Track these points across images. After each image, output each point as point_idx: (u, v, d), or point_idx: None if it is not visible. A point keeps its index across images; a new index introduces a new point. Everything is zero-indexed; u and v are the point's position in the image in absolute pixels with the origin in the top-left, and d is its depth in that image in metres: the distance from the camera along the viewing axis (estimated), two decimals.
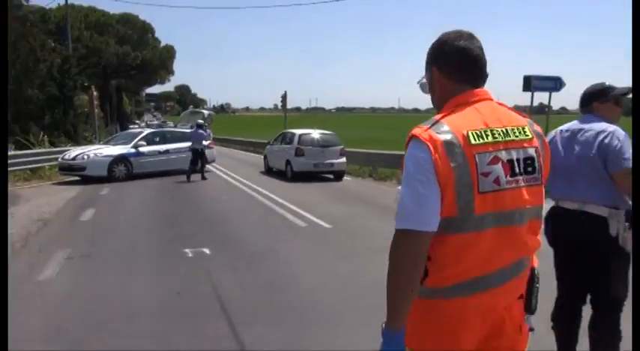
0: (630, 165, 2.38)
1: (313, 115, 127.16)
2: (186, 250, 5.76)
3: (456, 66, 1.50)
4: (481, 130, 1.41)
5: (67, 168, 13.06)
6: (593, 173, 2.53)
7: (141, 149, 13.79)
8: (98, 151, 13.35)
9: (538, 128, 1.54)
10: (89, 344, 3.40)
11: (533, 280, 1.57)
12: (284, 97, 24.24)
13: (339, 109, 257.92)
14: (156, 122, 55.00)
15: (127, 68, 43.02)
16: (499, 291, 1.45)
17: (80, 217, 8.03)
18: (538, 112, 12.56)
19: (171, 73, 50.06)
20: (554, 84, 11.46)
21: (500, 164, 1.39)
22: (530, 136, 1.47)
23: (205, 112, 21.44)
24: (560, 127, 2.77)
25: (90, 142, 18.09)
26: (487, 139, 1.40)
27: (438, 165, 1.34)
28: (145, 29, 43.99)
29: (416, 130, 1.42)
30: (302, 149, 13.52)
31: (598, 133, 2.53)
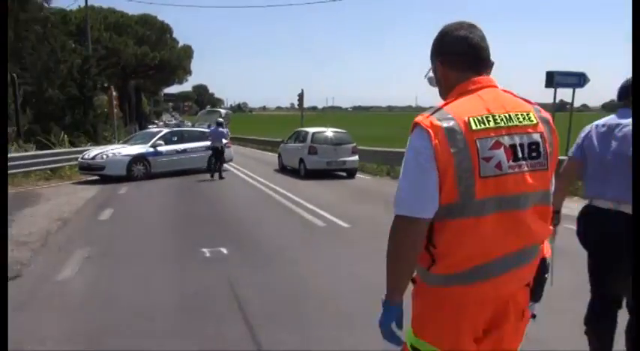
0: None
1: (330, 114, 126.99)
2: (204, 250, 5.72)
3: (456, 55, 1.53)
4: (483, 116, 1.42)
5: (87, 167, 13.20)
6: (631, 171, 2.38)
7: (159, 148, 13.87)
8: (117, 151, 13.47)
9: (546, 114, 1.53)
10: (106, 345, 3.36)
11: (542, 270, 1.58)
12: (301, 96, 24.18)
13: (356, 108, 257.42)
14: (174, 122, 55.58)
15: (146, 68, 43.53)
16: (503, 279, 1.46)
17: (99, 217, 8.07)
18: (558, 110, 12.21)
19: (189, 73, 50.54)
20: (578, 80, 11.12)
21: (502, 149, 1.40)
22: (535, 122, 1.47)
23: (222, 111, 21.51)
24: (596, 122, 2.63)
25: (109, 142, 18.29)
26: (488, 124, 1.41)
27: (437, 151, 1.37)
28: (164, 30, 44.42)
29: (418, 118, 1.44)
30: (315, 147, 13.75)
31: None
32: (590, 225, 2.60)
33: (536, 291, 1.59)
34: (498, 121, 1.43)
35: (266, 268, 5.10)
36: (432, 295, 1.51)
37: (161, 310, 3.93)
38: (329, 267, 5.14)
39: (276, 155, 17.53)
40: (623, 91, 2.57)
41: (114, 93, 20.66)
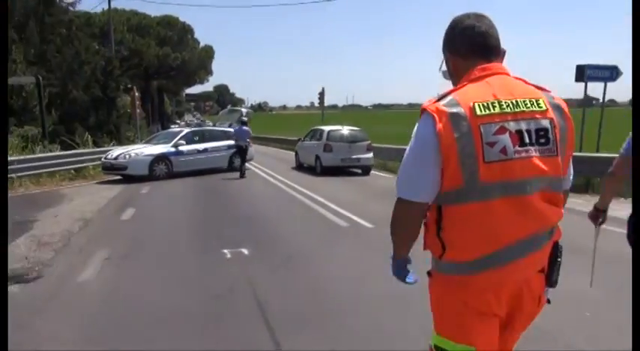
0: None
1: (350, 112, 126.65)
2: (225, 251, 5.61)
3: (464, 44, 1.55)
4: (488, 101, 1.43)
5: (110, 167, 13.31)
6: None
7: (180, 148, 13.90)
8: (139, 151, 13.54)
9: (559, 101, 1.52)
10: (124, 348, 3.26)
11: (555, 253, 1.57)
12: (322, 94, 24.05)
13: (376, 106, 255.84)
14: (195, 121, 56.08)
15: (168, 69, 43.98)
16: (516, 266, 1.46)
17: (121, 217, 8.06)
18: (584, 105, 11.74)
19: (210, 73, 50.87)
20: (610, 73, 10.66)
21: (507, 134, 1.41)
22: (545, 108, 1.47)
23: (244, 110, 21.52)
24: None
25: (132, 142, 18.46)
26: (493, 110, 1.42)
27: (441, 136, 1.39)
28: (185, 30, 44.81)
29: (425, 103, 1.47)
30: (330, 145, 14.06)
31: None
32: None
33: (551, 276, 1.59)
34: (504, 106, 1.43)
35: (288, 270, 4.96)
36: (445, 284, 1.54)
37: (181, 314, 3.81)
38: (353, 270, 4.97)
39: (294, 153, 17.71)
40: None
41: (136, 93, 20.86)
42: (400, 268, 1.70)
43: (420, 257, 1.76)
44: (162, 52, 40.69)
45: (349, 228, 6.93)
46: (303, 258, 5.37)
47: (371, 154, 14.42)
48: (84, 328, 3.61)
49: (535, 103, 1.46)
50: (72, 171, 13.94)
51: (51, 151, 14.56)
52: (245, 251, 5.61)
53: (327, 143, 14.15)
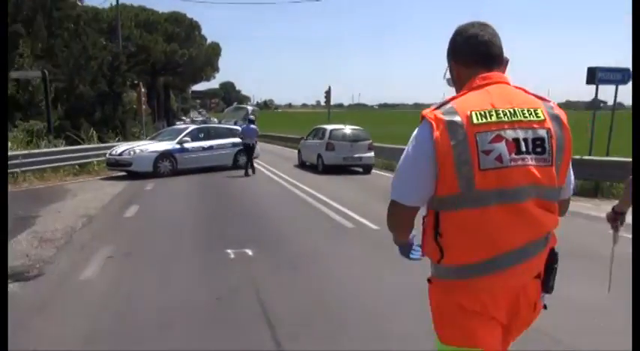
0: None
1: (355, 112, 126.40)
2: (228, 251, 5.53)
3: (468, 52, 1.57)
4: (485, 110, 1.45)
5: (114, 163, 13.26)
6: None
7: (185, 145, 13.83)
8: (144, 147, 13.49)
9: (558, 111, 1.53)
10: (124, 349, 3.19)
11: (551, 260, 1.59)
12: (328, 93, 23.93)
13: (382, 106, 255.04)
14: (200, 118, 56.04)
15: (174, 65, 43.95)
16: (512, 272, 1.48)
17: (124, 214, 8.00)
18: (594, 107, 11.57)
19: (217, 70, 50.81)
20: (622, 76, 10.45)
21: (503, 143, 1.43)
22: (543, 118, 1.48)
23: (249, 108, 21.35)
24: None
25: (138, 138, 18.42)
26: (490, 118, 1.44)
27: (438, 143, 1.42)
28: (193, 27, 44.75)
29: (424, 111, 1.51)
30: (332, 144, 14.27)
31: None
32: None
33: (547, 282, 1.60)
34: (501, 115, 1.45)
35: (292, 272, 4.87)
36: (443, 289, 1.57)
37: (182, 315, 3.73)
38: (360, 273, 4.88)
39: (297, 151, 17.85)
40: None
41: (142, 89, 20.82)
42: (403, 249, 1.81)
43: (423, 261, 1.76)
44: (169, 48, 40.64)
45: (354, 229, 6.83)
46: (308, 260, 5.28)
47: (372, 153, 14.61)
48: (84, 329, 3.53)
49: (533, 113, 1.48)
50: (76, 166, 13.90)
51: (56, 146, 14.54)
52: (249, 252, 5.53)
53: (329, 142, 14.34)
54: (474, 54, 1.57)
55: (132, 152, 13.12)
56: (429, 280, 1.65)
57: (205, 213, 8.34)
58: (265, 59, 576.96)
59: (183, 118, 64.96)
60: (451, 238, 1.49)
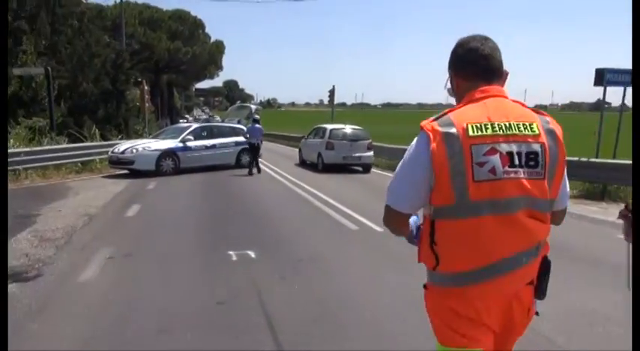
0: None
1: (359, 111, 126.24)
2: (231, 253, 5.44)
3: (467, 65, 1.62)
4: (482, 123, 1.49)
5: (117, 161, 13.18)
6: None
7: (188, 144, 13.76)
8: (146, 145, 13.41)
9: (554, 126, 1.56)
10: None
11: (544, 267, 1.62)
12: (332, 92, 23.83)
13: (385, 105, 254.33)
14: (204, 117, 55.98)
15: (178, 63, 43.88)
16: (506, 279, 1.52)
17: (126, 213, 7.92)
18: (596, 109, 11.43)
19: (220, 68, 50.74)
20: (631, 78, 10.34)
21: (497, 155, 1.47)
22: (538, 133, 1.51)
23: (253, 107, 21.30)
24: None
25: (141, 136, 18.36)
26: (486, 131, 1.48)
27: (434, 154, 1.47)
28: (196, 25, 44.68)
29: (423, 122, 1.55)
30: (332, 143, 14.45)
31: None
32: None
33: (540, 288, 1.63)
34: (496, 128, 1.49)
35: (296, 275, 4.77)
36: (438, 295, 1.61)
37: (182, 320, 3.64)
38: (365, 276, 4.78)
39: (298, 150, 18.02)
40: None
41: (146, 87, 20.76)
42: (409, 237, 1.81)
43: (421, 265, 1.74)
44: (173, 46, 40.57)
45: (358, 231, 6.74)
46: (311, 263, 5.18)
47: (371, 153, 14.78)
48: (82, 333, 3.44)
49: (529, 127, 1.52)
50: (79, 164, 13.84)
51: (58, 143, 14.46)
52: (252, 254, 5.43)
53: (329, 141, 14.50)
54: (474, 67, 1.61)
55: (134, 150, 13.05)
56: (424, 286, 1.69)
57: (208, 212, 8.25)
58: (269, 58, 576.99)
59: (187, 116, 64.90)
60: (446, 247, 1.54)
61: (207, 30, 46.29)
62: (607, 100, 11.44)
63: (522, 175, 1.48)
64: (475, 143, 1.47)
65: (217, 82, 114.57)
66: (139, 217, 7.66)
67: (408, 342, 3.29)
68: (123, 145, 13.65)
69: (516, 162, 1.48)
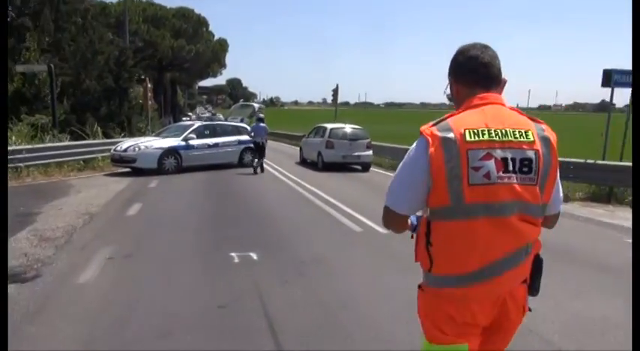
0: None
1: (362, 110, 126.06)
2: (232, 254, 5.35)
3: (467, 73, 1.67)
4: (479, 129, 1.54)
5: (119, 159, 13.12)
6: None
7: (191, 142, 13.68)
8: (149, 144, 13.34)
9: (549, 134, 1.61)
10: None
11: (536, 265, 1.68)
12: (335, 91, 23.72)
13: (388, 105, 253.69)
14: (206, 115, 55.92)
15: (182, 61, 43.86)
16: (500, 280, 1.57)
17: (127, 212, 7.84)
18: (600, 110, 11.32)
19: (224, 66, 50.76)
20: None
21: (492, 161, 1.52)
22: (532, 140, 1.56)
23: (256, 105, 21.23)
24: None
25: (144, 134, 18.30)
26: (482, 137, 1.53)
27: (432, 158, 1.52)
28: (200, 23, 44.66)
29: (422, 127, 1.60)
30: (332, 142, 14.64)
31: None
32: None
33: (533, 286, 1.70)
34: (493, 135, 1.54)
35: (299, 278, 4.68)
36: (433, 296, 1.66)
37: (182, 325, 3.56)
38: (370, 280, 4.69)
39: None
40: None
41: (149, 85, 20.69)
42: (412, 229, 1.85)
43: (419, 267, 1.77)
44: (176, 44, 40.55)
45: (361, 232, 6.65)
46: (317, 266, 5.08)
47: (370, 152, 14.98)
48: (80, 336, 3.37)
49: (524, 134, 1.56)
50: (81, 162, 13.77)
51: (60, 140, 14.41)
52: (254, 256, 5.35)
53: (328, 140, 14.67)
54: (474, 74, 1.65)
55: (136, 148, 12.98)
56: (419, 287, 1.73)
57: (209, 212, 8.17)
58: (272, 56, 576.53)
59: (189, 114, 64.87)
60: (440, 247, 1.59)
61: (210, 28, 46.33)
62: (613, 100, 11.33)
63: (515, 181, 1.53)
64: (472, 148, 1.52)
65: (220, 80, 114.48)
66: (140, 217, 7.58)
67: (412, 346, 3.19)
68: (125, 143, 13.58)
69: (510, 168, 1.53)
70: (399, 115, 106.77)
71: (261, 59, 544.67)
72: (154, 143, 13.39)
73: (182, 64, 45.01)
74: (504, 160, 1.53)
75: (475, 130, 1.54)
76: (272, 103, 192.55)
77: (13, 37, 17.38)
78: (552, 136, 1.61)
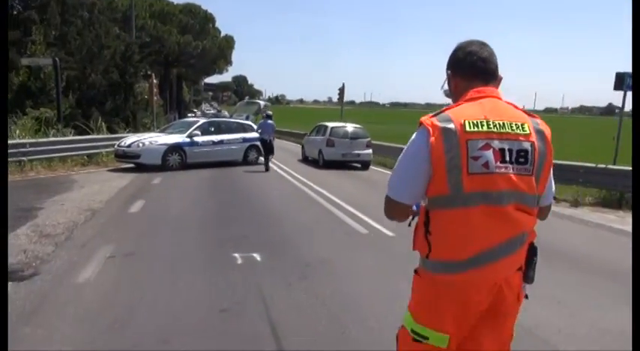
0: None
1: (367, 110, 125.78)
2: (236, 255, 5.23)
3: (465, 67, 1.71)
4: (478, 120, 1.58)
5: (122, 155, 13.02)
6: None
7: (195, 139, 13.58)
8: (153, 140, 13.23)
9: (544, 128, 1.65)
10: None
11: (531, 253, 1.72)
12: (341, 90, 23.57)
13: (393, 104, 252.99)
14: (212, 111, 55.83)
15: (188, 57, 43.72)
16: (495, 267, 1.61)
17: (129, 209, 7.73)
18: (606, 114, 11.15)
19: (230, 63, 50.57)
20: None
21: (491, 151, 1.56)
22: (528, 132, 1.61)
23: (261, 102, 21.11)
24: None
25: (148, 129, 18.20)
26: (481, 128, 1.57)
27: (432, 147, 1.55)
28: (207, 19, 44.53)
29: (423, 117, 1.64)
30: (333, 140, 14.93)
31: None
32: None
33: (528, 274, 1.73)
34: (491, 126, 1.58)
35: (303, 281, 4.55)
36: (430, 282, 1.68)
37: (183, 329, 3.44)
38: (376, 284, 4.56)
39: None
40: None
41: (154, 80, 20.61)
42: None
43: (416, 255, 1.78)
44: (183, 39, 40.43)
45: (366, 233, 6.51)
46: (321, 268, 4.95)
47: (370, 151, 15.29)
48: (77, 337, 3.26)
49: (520, 127, 1.61)
50: (85, 157, 13.70)
51: (65, 135, 14.33)
52: (257, 257, 5.22)
53: (329, 138, 14.97)
54: (473, 68, 1.70)
55: (141, 144, 12.88)
56: (415, 271, 1.76)
57: (213, 210, 8.05)
58: (278, 54, 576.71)
59: (195, 110, 64.84)
60: (439, 235, 1.62)
61: (217, 24, 46.18)
62: (619, 104, 11.15)
63: (512, 171, 1.58)
64: (471, 138, 1.55)
65: (226, 77, 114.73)
66: (142, 214, 7.48)
67: None
68: (129, 139, 13.49)
69: (507, 158, 1.57)
70: (404, 114, 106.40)
71: (267, 57, 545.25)
72: (158, 139, 13.29)
73: (188, 60, 44.89)
74: (502, 150, 1.57)
75: (475, 121, 1.58)
76: (277, 100, 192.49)
77: (19, 30, 17.32)
78: (547, 130, 1.66)
